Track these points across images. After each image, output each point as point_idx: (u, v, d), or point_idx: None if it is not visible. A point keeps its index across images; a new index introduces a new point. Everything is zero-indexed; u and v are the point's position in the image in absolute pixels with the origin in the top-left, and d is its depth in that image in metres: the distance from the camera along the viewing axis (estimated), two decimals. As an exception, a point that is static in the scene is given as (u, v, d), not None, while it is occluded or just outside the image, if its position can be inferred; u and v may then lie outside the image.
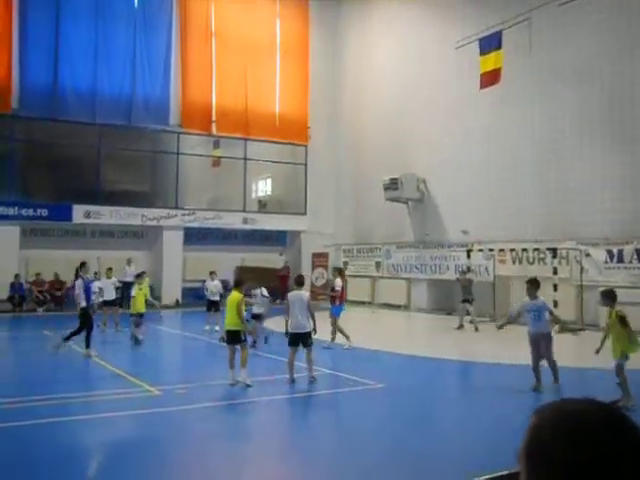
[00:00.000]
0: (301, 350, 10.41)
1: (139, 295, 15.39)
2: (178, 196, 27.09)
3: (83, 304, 13.14)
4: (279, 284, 27.64)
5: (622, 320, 8.71)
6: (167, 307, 24.61)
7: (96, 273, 18.03)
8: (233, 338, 10.27)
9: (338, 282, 15.35)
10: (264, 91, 29.00)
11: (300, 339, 10.39)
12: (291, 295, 10.74)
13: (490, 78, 20.77)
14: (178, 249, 26.51)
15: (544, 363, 9.87)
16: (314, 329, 10.47)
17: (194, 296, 24.25)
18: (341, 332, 14.33)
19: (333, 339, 14.51)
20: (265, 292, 14.71)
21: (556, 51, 20.20)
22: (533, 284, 10.18)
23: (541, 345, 9.78)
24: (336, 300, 15.03)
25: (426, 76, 25.23)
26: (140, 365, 12.68)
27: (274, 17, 29.56)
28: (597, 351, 8.91)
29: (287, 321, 10.72)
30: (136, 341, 14.83)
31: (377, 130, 27.74)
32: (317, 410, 9.46)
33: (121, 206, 25.27)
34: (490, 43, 20.83)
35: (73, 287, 13.90)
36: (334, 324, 14.64)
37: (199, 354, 14.53)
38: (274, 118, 29.19)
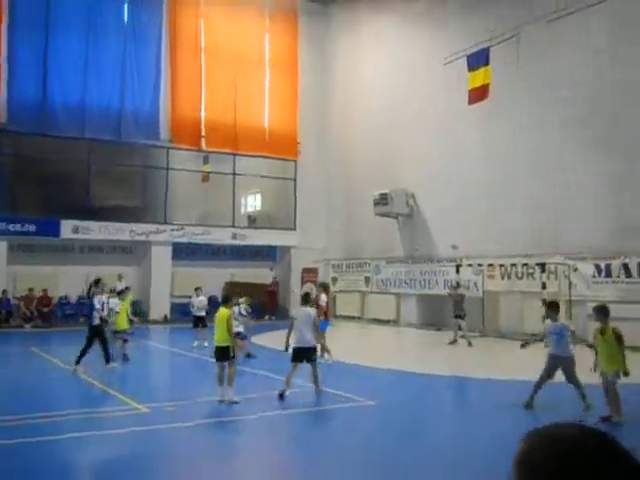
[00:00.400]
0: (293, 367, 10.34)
1: (122, 311, 15.06)
2: (167, 211, 27.02)
3: (97, 321, 13.25)
4: (268, 300, 27.59)
5: (619, 338, 8.74)
6: (155, 322, 24.47)
7: (112, 290, 17.81)
8: (222, 355, 10.20)
9: (323, 297, 15.41)
10: (253, 106, 29.06)
11: (304, 354, 10.44)
12: (296, 311, 10.98)
13: (478, 94, 20.91)
14: (167, 264, 26.39)
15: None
16: (317, 343, 10.72)
17: (182, 312, 24.10)
18: (323, 347, 14.24)
19: (322, 355, 14.43)
20: (243, 310, 14.49)
21: (543, 66, 20.38)
22: (552, 307, 10.09)
23: (563, 370, 9.50)
24: (321, 316, 15.02)
25: (415, 91, 25.38)
26: (128, 382, 12.56)
27: (263, 31, 29.70)
28: (594, 369, 8.93)
29: (288, 336, 10.68)
30: (124, 358, 14.67)
31: (366, 144, 27.83)
32: (306, 428, 9.38)
33: (110, 221, 25.17)
34: (478, 59, 20.99)
35: (91, 303, 13.79)
36: (319, 339, 14.60)
37: (188, 371, 14.42)
38: (263, 133, 29.24)
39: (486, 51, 20.67)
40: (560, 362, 9.51)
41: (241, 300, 15.13)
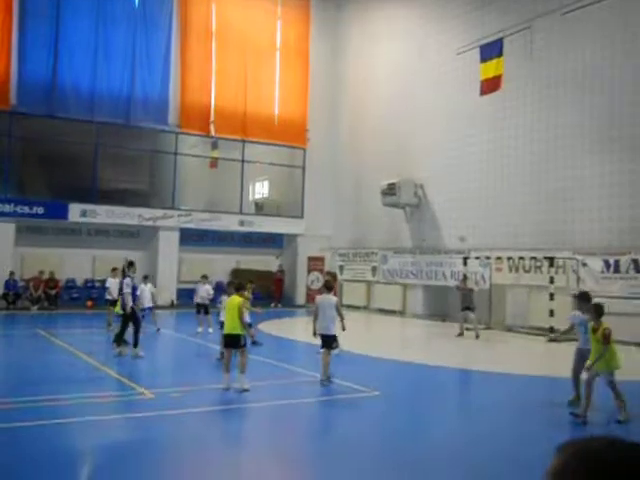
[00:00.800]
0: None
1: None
2: (175, 196, 27.02)
3: (131, 304, 13.24)
4: (274, 287, 27.59)
5: (606, 338, 8.55)
6: (162, 308, 24.49)
7: (146, 277, 17.87)
8: (232, 342, 10.15)
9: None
10: (263, 93, 28.95)
11: (323, 340, 10.63)
12: (320, 298, 10.99)
13: (491, 85, 20.76)
14: (174, 250, 26.40)
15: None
16: (343, 328, 10.83)
17: (189, 297, 24.12)
18: None
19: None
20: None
21: (557, 59, 20.19)
22: (582, 298, 9.55)
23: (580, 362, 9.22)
24: None
25: (426, 80, 25.21)
26: (134, 367, 12.57)
27: (275, 19, 29.54)
28: (588, 368, 8.74)
29: (314, 323, 10.81)
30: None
31: (376, 134, 27.71)
32: (310, 418, 9.37)
33: (117, 205, 25.19)
34: (491, 50, 20.83)
35: (121, 286, 13.72)
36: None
37: (194, 356, 14.42)
38: (273, 120, 29.15)
39: (500, 42, 20.50)
40: (586, 356, 9.01)
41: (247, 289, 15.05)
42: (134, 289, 13.71)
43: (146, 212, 25.88)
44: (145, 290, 16.90)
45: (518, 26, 20.78)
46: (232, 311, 10.12)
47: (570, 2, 19.47)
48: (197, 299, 17.66)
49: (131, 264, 13.92)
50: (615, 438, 1.15)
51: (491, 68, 20.84)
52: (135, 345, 13.08)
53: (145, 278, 17.59)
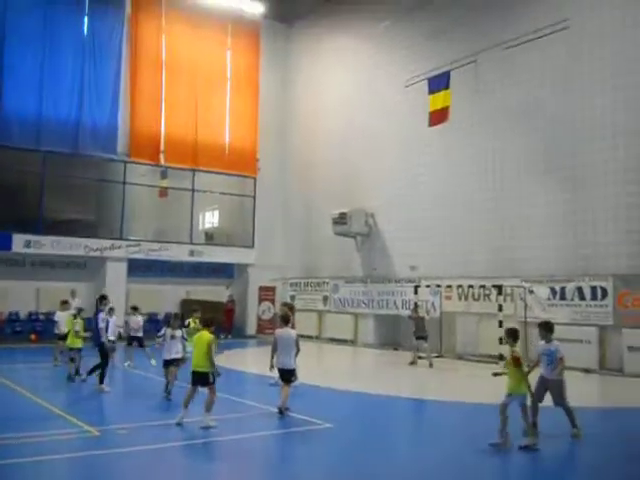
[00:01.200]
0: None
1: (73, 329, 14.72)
2: (123, 226, 26.56)
3: (104, 339, 13.33)
4: (225, 318, 27.23)
5: (516, 361, 8.78)
6: (109, 340, 23.82)
7: (111, 309, 17.39)
8: (199, 380, 9.87)
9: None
10: (214, 122, 28.90)
11: (282, 375, 10.63)
12: (279, 332, 10.91)
13: (439, 116, 21.16)
14: (122, 281, 25.85)
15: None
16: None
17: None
18: None
19: None
20: (185, 334, 12.97)
21: (500, 92, 20.75)
22: (544, 327, 9.63)
23: (551, 392, 9.34)
24: None
25: (376, 111, 25.57)
26: (80, 403, 12.15)
27: (225, 48, 29.65)
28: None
29: (272, 356, 10.74)
30: (70, 378, 14.36)
31: (327, 163, 27.89)
32: (261, 452, 9.17)
33: (63, 236, 24.61)
34: (439, 82, 21.27)
35: (96, 320, 13.75)
36: None
37: (142, 391, 14.01)
38: (223, 149, 29.09)
39: (447, 75, 20.96)
40: (548, 385, 9.33)
41: (189, 320, 14.68)
42: (107, 323, 13.71)
43: (93, 243, 25.35)
44: (139, 321, 17.07)
45: (464, 59, 21.32)
46: (201, 347, 9.80)
47: (512, 38, 20.09)
48: (129, 330, 17.30)
49: (103, 297, 14.02)
50: None
51: (439, 100, 21.26)
52: (101, 381, 13.07)
53: (111, 310, 16.93)
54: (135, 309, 17.68)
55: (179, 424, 9.62)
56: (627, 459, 8.48)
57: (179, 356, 12.26)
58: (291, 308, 14.97)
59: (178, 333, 12.30)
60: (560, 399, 9.37)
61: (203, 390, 9.91)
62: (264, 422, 10.20)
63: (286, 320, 11.11)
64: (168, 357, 12.22)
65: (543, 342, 9.58)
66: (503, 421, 8.70)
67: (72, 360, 14.47)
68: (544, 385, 9.38)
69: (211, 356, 9.84)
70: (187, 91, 28.10)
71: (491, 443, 8.61)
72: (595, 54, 18.31)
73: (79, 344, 14.58)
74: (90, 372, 13.73)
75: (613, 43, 17.96)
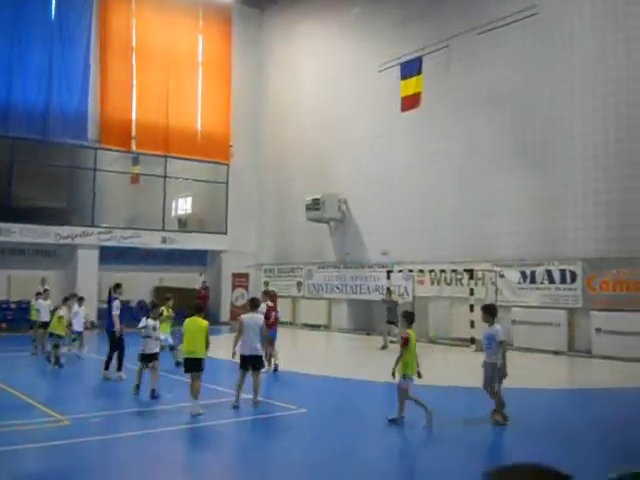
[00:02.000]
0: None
1: (65, 318, 15.20)
2: (95, 214, 26.30)
3: (116, 327, 13.15)
4: (201, 304, 27.07)
5: (404, 342, 9.05)
6: (73, 332, 23.68)
7: (81, 299, 17.18)
8: (195, 366, 9.86)
9: (264, 306, 13.97)
10: (186, 108, 28.64)
11: (251, 362, 10.24)
12: (246, 317, 10.51)
13: (411, 102, 21.24)
14: (93, 268, 25.62)
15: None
16: (265, 354, 10.43)
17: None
18: (270, 356, 13.63)
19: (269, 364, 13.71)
20: (158, 326, 11.90)
21: (472, 77, 20.88)
22: (486, 310, 9.62)
23: (486, 375, 9.29)
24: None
25: (349, 97, 25.57)
26: (51, 392, 12.09)
27: (196, 33, 29.34)
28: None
29: (236, 343, 10.36)
30: (57, 363, 14.50)
31: (300, 149, 27.86)
32: (236, 438, 9.24)
33: (33, 224, 24.28)
34: (411, 68, 21.33)
35: (109, 308, 13.51)
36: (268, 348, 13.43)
37: (113, 380, 13.94)
38: (196, 135, 28.87)
39: (419, 60, 21.03)
40: (487, 367, 9.31)
41: (162, 308, 14.43)
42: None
43: (64, 230, 25.07)
44: (79, 313, 16.49)
45: (436, 45, 21.38)
46: (196, 334, 9.81)
47: (484, 23, 20.19)
48: (38, 315, 16.56)
49: (118, 286, 13.76)
50: (542, 466, 1.16)
51: (411, 85, 21.33)
52: (119, 368, 13.00)
53: (80, 300, 16.92)
54: (46, 292, 17.21)
55: (198, 413, 9.58)
56: (532, 441, 8.41)
57: (158, 350, 11.56)
58: (273, 295, 14.82)
59: (149, 323, 11.72)
60: (485, 383, 9.24)
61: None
62: (238, 409, 10.23)
63: (255, 305, 10.94)
64: (149, 351, 11.34)
65: (487, 325, 9.55)
66: (418, 402, 8.95)
67: (56, 346, 14.63)
68: (485, 367, 9.33)
69: (208, 341, 9.89)
70: (158, 76, 27.79)
71: (424, 425, 8.83)
72: (564, 40, 18.50)
73: (62, 331, 14.87)
74: (107, 367, 13.29)
75: (580, 29, 18.15)
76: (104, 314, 23.93)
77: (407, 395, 9.01)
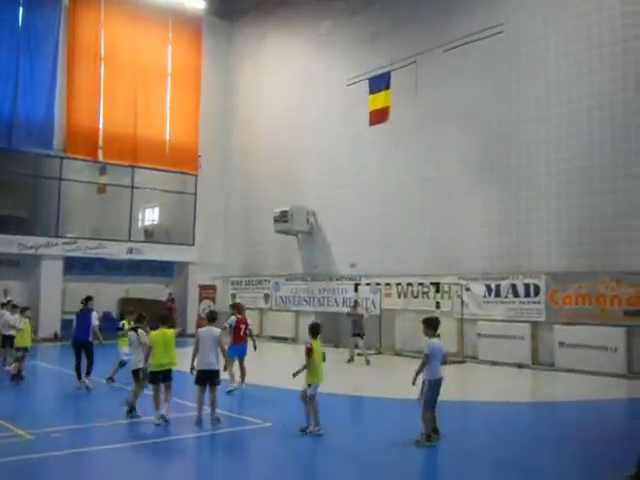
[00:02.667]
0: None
1: (26, 329, 14.77)
2: (59, 224, 25.94)
3: (91, 338, 13.70)
4: (168, 315, 26.81)
5: (307, 351, 9.47)
6: (45, 340, 23.34)
7: (3, 304, 16.77)
8: (165, 377, 10.08)
9: (233, 319, 13.73)
10: (154, 118, 28.47)
11: (207, 377, 10.07)
12: (202, 331, 10.37)
13: (379, 116, 21.45)
14: (57, 279, 25.29)
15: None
16: (224, 367, 10.34)
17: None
18: (230, 373, 13.21)
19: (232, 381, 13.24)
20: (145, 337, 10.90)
21: (439, 94, 21.16)
22: (425, 323, 9.31)
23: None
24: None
25: (318, 111, 25.69)
26: (11, 406, 11.86)
27: (166, 43, 29.25)
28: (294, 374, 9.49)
29: (194, 357, 10.22)
30: (15, 377, 14.20)
31: (268, 162, 27.88)
32: (197, 454, 9.16)
33: (-5, 232, 23.86)
34: (379, 83, 21.57)
35: (89, 319, 13.84)
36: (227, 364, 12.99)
37: (77, 393, 13.74)
38: (164, 146, 28.71)
39: (387, 75, 21.26)
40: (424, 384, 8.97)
41: (123, 322, 14.23)
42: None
43: (28, 240, 24.71)
44: (11, 319, 15.31)
45: (404, 61, 21.62)
46: (168, 344, 10.00)
47: (451, 40, 20.50)
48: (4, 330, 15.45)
49: (90, 298, 14.26)
50: None
51: (379, 100, 21.56)
52: (88, 374, 13.50)
53: (25, 311, 15.56)
54: (15, 307, 16.02)
55: (158, 424, 9.77)
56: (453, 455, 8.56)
57: (141, 365, 10.58)
58: (241, 307, 14.45)
59: (132, 335, 11.09)
60: (423, 400, 8.91)
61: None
62: (202, 424, 10.14)
63: (212, 319, 10.71)
64: (138, 365, 10.61)
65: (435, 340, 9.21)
66: (313, 410, 9.31)
67: (20, 359, 14.40)
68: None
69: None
70: (127, 86, 27.60)
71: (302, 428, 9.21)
72: (530, 58, 18.86)
73: (28, 343, 14.70)
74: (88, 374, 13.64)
75: (545, 47, 18.53)
76: (67, 325, 23.87)
77: (313, 403, 9.35)
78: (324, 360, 9.60)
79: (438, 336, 9.32)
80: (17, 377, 14.29)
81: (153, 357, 10.02)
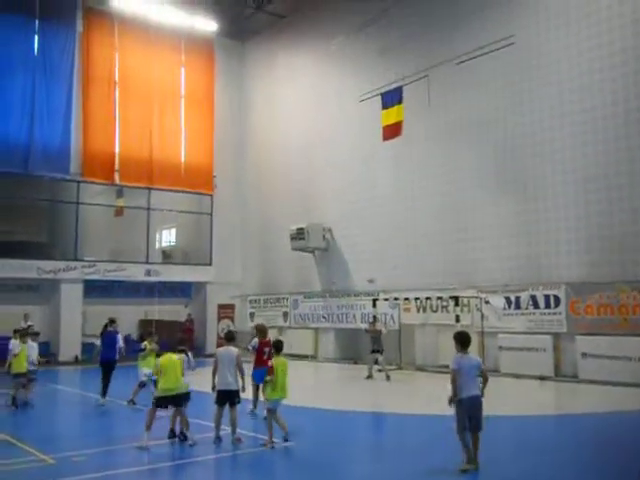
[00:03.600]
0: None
1: (21, 354, 13.85)
2: (78, 247, 26.14)
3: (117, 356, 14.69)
4: (184, 337, 26.89)
5: (269, 370, 9.89)
6: (66, 364, 23.46)
7: (36, 334, 15.50)
8: (183, 400, 10.25)
9: (254, 342, 12.98)
10: (169, 140, 28.72)
11: (228, 397, 10.09)
12: (220, 351, 10.42)
13: (392, 131, 21.43)
14: (77, 303, 25.43)
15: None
16: (242, 387, 10.27)
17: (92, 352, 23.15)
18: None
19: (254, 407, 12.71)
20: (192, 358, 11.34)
21: (453, 106, 21.14)
22: (455, 338, 8.44)
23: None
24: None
25: (331, 127, 25.78)
26: (32, 429, 11.88)
27: (179, 66, 29.57)
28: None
29: (213, 377, 10.24)
30: (13, 403, 13.64)
31: (283, 179, 27.97)
32: (220, 474, 9.12)
33: (14, 258, 24.01)
34: (392, 97, 21.56)
35: (114, 340, 14.72)
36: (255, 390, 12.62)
37: (98, 416, 13.75)
38: (179, 167, 28.92)
39: (399, 90, 21.26)
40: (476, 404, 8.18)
41: (145, 343, 14.18)
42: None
43: (46, 264, 24.89)
44: (33, 348, 14.64)
45: (416, 75, 21.64)
46: (176, 369, 10.13)
47: (461, 53, 20.50)
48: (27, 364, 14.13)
49: (113, 321, 15.12)
50: None
51: (392, 115, 21.53)
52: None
53: (26, 336, 14.52)
54: (34, 335, 15.27)
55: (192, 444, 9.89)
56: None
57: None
58: (263, 330, 13.42)
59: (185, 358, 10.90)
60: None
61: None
62: (223, 444, 10.09)
63: (230, 339, 10.73)
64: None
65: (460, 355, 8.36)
66: (271, 426, 9.71)
67: (21, 385, 13.88)
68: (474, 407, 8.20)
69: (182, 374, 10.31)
70: (141, 109, 27.90)
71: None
72: (542, 68, 18.81)
73: (24, 368, 13.86)
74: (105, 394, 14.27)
75: (557, 58, 18.47)
76: (88, 348, 23.92)
77: (273, 417, 9.71)
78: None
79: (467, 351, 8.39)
80: (14, 405, 13.62)
81: (163, 382, 10.09)
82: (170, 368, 10.04)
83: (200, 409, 11.20)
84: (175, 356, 10.21)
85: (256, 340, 13.01)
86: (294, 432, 10.28)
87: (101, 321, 23.28)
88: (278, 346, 10.30)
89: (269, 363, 10.26)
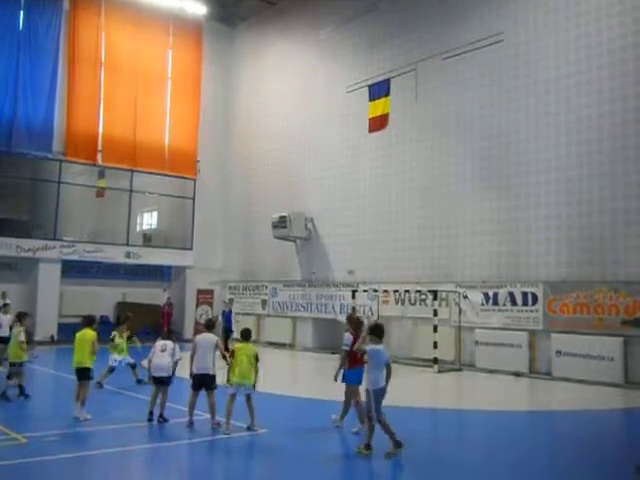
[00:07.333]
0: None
1: (14, 339, 12.75)
2: (57, 227, 25.91)
3: None
4: (162, 321, 26.89)
5: (231, 353, 10.14)
6: (41, 343, 23.28)
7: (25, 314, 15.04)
8: (84, 375, 10.79)
9: (347, 337, 10.84)
10: (154, 122, 28.49)
11: (203, 382, 10.28)
12: (199, 337, 10.66)
13: (378, 123, 21.47)
14: (55, 282, 25.25)
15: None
16: (227, 362, 10.39)
17: (71, 332, 23.01)
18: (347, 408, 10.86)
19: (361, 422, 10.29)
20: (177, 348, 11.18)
21: (439, 101, 21.19)
22: (374, 331, 9.02)
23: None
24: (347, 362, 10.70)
25: (317, 116, 25.74)
26: (6, 410, 11.81)
27: (166, 48, 29.31)
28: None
29: (192, 363, 10.40)
30: (3, 395, 12.65)
31: (267, 167, 27.91)
32: (194, 459, 9.14)
33: (-7, 235, 23.82)
34: (379, 90, 21.59)
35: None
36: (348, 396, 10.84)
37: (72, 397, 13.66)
38: (163, 150, 28.72)
39: (387, 82, 21.29)
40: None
41: (115, 333, 14.44)
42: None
43: (25, 243, 24.68)
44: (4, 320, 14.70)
45: (404, 68, 21.67)
46: (85, 345, 10.76)
47: (450, 48, 20.54)
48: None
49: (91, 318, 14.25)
50: None
51: (379, 107, 21.58)
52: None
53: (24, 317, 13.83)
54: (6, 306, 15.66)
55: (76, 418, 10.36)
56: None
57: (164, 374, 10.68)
58: (356, 323, 11.22)
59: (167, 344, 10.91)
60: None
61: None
62: (198, 429, 10.11)
63: (209, 326, 10.86)
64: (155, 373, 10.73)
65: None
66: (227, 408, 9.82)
67: (16, 375, 12.77)
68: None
69: (94, 353, 10.85)
70: (127, 90, 27.64)
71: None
72: (529, 66, 18.90)
73: (24, 357, 12.80)
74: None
75: (544, 55, 18.57)
76: (64, 328, 23.81)
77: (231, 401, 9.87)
78: (258, 361, 10.21)
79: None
80: (4, 396, 12.55)
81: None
82: (80, 343, 10.82)
83: (177, 394, 11.20)
84: (90, 331, 10.89)
85: (349, 337, 10.75)
86: (267, 419, 10.31)
87: (78, 302, 23.49)
88: (245, 334, 10.38)
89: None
